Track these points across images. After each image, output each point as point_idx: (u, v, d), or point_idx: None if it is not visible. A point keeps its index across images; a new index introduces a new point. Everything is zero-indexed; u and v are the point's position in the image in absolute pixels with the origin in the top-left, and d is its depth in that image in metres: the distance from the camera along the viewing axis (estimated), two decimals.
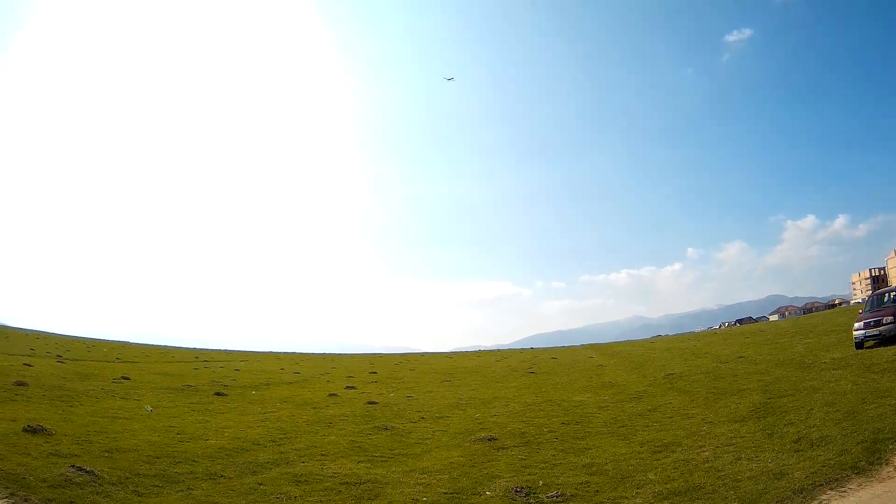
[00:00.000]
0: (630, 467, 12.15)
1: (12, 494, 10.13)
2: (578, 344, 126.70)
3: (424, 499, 10.71)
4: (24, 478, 10.97)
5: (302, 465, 13.82)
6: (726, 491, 9.89)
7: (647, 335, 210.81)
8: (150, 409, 22.30)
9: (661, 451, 13.33)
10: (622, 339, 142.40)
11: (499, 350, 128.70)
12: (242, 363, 69.79)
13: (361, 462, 14.29)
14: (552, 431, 17.12)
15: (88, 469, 11.68)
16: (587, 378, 33.87)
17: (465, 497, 10.92)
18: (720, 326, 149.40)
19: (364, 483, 12.02)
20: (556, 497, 10.27)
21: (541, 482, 11.44)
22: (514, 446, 15.32)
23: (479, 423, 19.52)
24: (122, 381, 33.37)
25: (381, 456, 15.12)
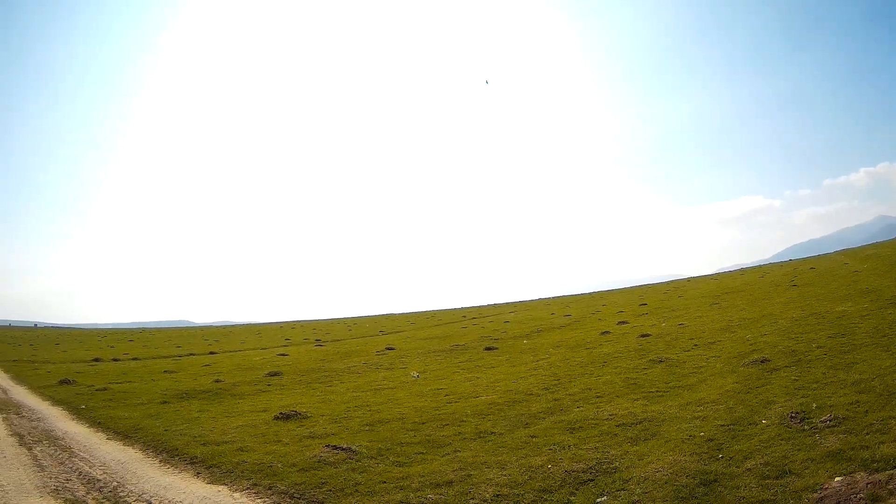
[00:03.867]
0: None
1: (255, 485, 10.97)
2: (831, 251, 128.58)
3: (701, 434, 10.41)
4: (271, 465, 11.89)
5: (577, 410, 13.93)
6: None
7: (893, 235, 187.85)
8: (416, 374, 23.93)
9: None
10: (870, 242, 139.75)
11: (759, 266, 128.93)
12: (511, 314, 72.88)
13: (637, 400, 14.24)
14: (820, 347, 17.30)
15: (345, 447, 12.44)
16: (846, 286, 34.14)
17: (741, 428, 10.65)
18: None
19: (640, 423, 11.87)
20: (829, 421, 10.19)
21: (814, 405, 11.37)
22: (786, 366, 15.62)
23: (751, 345, 19.57)
24: (387, 352, 36.61)
25: (656, 391, 15.11)
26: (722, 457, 9.06)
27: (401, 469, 10.93)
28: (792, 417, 10.48)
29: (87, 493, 10.97)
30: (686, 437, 10.28)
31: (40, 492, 11.18)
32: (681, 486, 7.89)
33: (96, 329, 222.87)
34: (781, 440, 9.36)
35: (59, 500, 10.68)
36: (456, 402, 16.84)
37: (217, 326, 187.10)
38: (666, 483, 8.08)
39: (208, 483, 11.41)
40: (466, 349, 33.29)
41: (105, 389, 26.63)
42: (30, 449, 15.12)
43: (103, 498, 10.67)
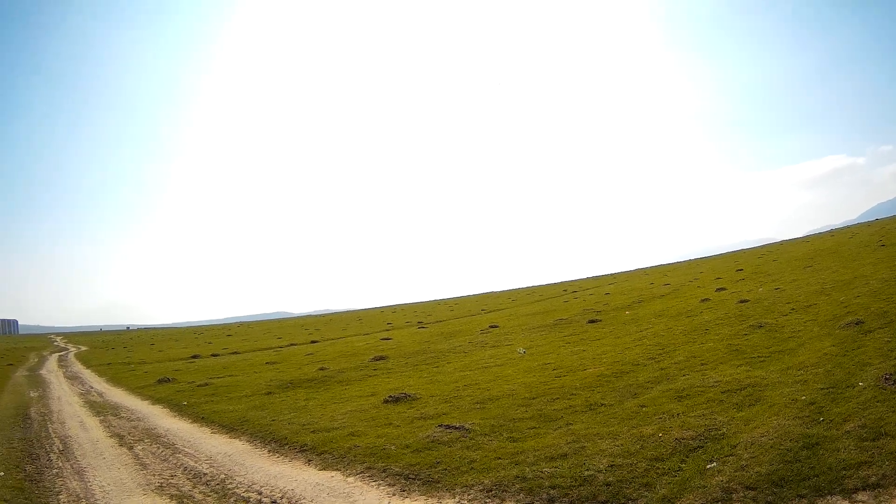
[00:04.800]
0: None
1: (368, 468, 11.29)
2: None
3: (803, 397, 10.59)
4: (384, 448, 12.24)
5: (683, 378, 14.26)
6: None
7: None
8: (522, 351, 24.53)
9: None
10: None
11: (848, 227, 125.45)
12: (611, 286, 72.77)
13: (740, 366, 14.46)
14: None
15: (458, 425, 12.81)
16: None
17: (839, 391, 10.74)
18: None
19: (744, 389, 12.13)
20: None
21: None
22: (879, 328, 15.71)
23: (845, 307, 19.52)
24: (490, 330, 37.28)
25: (758, 356, 15.28)
26: (823, 420, 9.26)
27: (514, 444, 11.21)
28: (886, 379, 10.59)
29: (194, 488, 11.44)
30: (788, 402, 10.49)
31: (143, 490, 11.63)
32: (785, 451, 8.14)
33: (191, 327, 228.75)
34: (877, 402, 9.51)
35: (163, 497, 11.07)
36: (564, 375, 17.21)
37: (316, 315, 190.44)
38: (771, 447, 8.34)
39: (320, 469, 11.80)
40: (570, 323, 33.71)
41: (206, 385, 27.29)
42: (130, 448, 15.57)
43: (210, 491, 11.14)
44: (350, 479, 10.85)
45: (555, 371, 18.24)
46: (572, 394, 14.65)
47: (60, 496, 11.76)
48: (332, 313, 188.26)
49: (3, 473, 13.74)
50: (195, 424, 18.35)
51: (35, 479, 13.12)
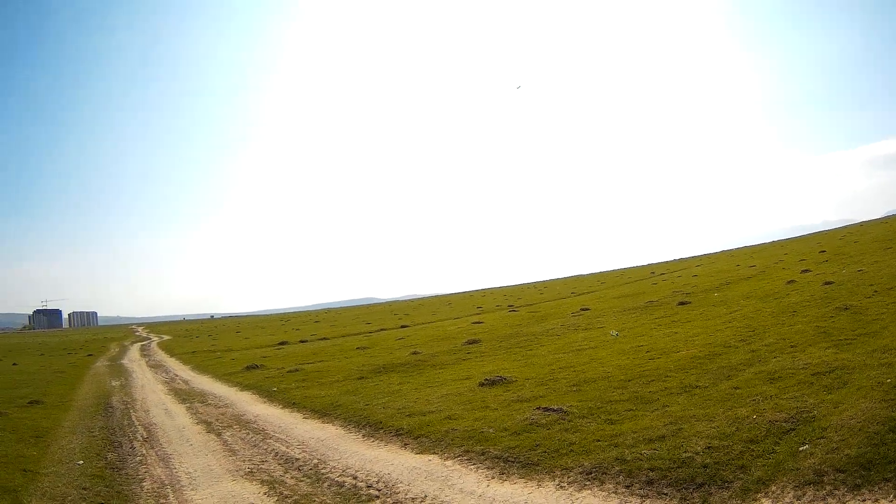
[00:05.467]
0: None
1: (466, 451, 11.40)
2: None
3: (888, 380, 10.64)
4: (482, 431, 12.36)
5: (774, 360, 14.44)
6: None
7: None
8: (615, 333, 25.00)
9: None
10: None
11: None
12: (698, 268, 71.91)
13: (828, 348, 14.57)
14: None
15: (556, 408, 12.99)
16: None
17: None
18: None
19: (833, 371, 12.26)
20: None
21: None
22: None
23: None
24: (582, 312, 37.81)
25: (845, 339, 15.32)
26: None
27: (612, 427, 11.31)
28: None
29: (286, 473, 11.64)
30: (875, 385, 10.56)
31: (232, 475, 11.88)
32: (872, 434, 8.21)
33: (277, 314, 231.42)
34: None
35: (254, 482, 11.26)
36: (657, 357, 17.49)
37: (404, 301, 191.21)
38: (859, 430, 8.43)
39: (417, 453, 11.91)
40: (660, 305, 33.98)
41: (297, 370, 27.42)
42: (219, 435, 15.88)
43: (303, 476, 11.33)
44: (448, 463, 11.04)
45: (648, 353, 18.48)
46: (667, 376, 14.85)
47: (144, 483, 12.15)
48: (421, 298, 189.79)
49: (82, 462, 14.05)
50: (286, 410, 18.74)
51: (117, 467, 13.49)
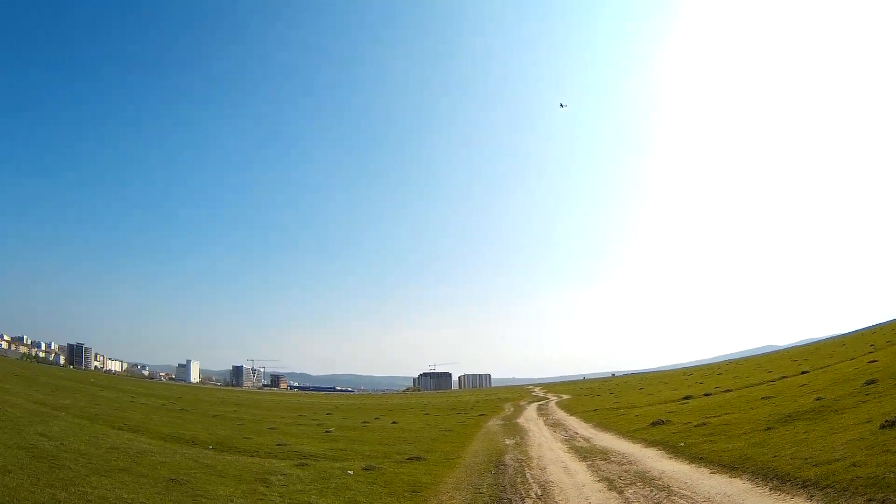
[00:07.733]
0: None
1: (869, 500, 11.11)
2: None
3: None
4: (884, 477, 12.05)
5: None
6: None
7: None
8: None
9: None
10: None
11: None
12: None
13: None
14: None
15: None
16: None
17: None
18: None
19: None
20: None
21: None
22: None
23: None
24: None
25: None
26: None
27: None
28: None
29: None
30: None
31: None
32: None
33: (679, 368, 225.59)
34: None
35: None
36: None
37: (801, 346, 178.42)
38: None
39: None
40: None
41: (703, 424, 26.72)
42: (620, 492, 15.78)
43: None
44: None
45: None
46: None
47: None
48: (817, 341, 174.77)
49: None
50: (692, 465, 18.54)
51: None
